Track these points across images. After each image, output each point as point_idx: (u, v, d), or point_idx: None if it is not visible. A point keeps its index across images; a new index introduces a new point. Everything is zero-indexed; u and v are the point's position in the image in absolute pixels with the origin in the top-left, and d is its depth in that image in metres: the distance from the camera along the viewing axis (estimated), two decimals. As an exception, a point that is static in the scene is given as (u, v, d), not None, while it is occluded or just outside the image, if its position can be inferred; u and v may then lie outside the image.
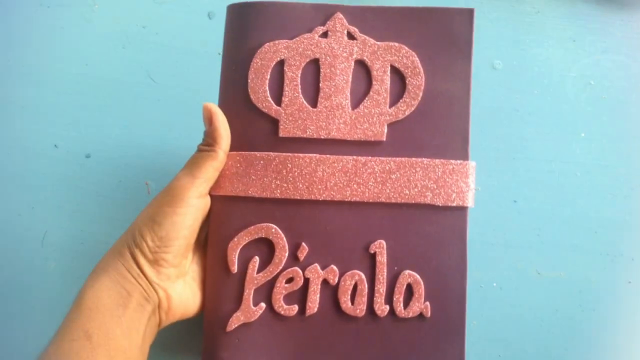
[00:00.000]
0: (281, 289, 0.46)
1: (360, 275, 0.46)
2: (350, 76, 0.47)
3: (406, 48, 0.46)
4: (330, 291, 0.46)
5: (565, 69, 0.60)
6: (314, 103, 0.46)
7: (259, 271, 0.46)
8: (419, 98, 0.46)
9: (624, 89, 0.59)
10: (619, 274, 0.55)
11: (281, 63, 0.47)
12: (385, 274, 0.46)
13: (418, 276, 0.45)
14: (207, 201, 0.45)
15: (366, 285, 0.46)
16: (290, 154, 0.46)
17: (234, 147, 0.46)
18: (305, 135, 0.46)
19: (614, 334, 0.54)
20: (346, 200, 0.46)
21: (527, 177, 0.57)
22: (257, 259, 0.46)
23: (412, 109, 0.46)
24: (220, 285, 0.46)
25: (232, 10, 0.47)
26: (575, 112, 0.59)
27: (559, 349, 0.53)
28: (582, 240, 0.56)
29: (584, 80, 0.59)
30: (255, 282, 0.46)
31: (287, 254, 0.46)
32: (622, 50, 0.60)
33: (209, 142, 0.45)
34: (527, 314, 0.54)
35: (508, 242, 0.56)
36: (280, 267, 0.46)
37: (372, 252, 0.46)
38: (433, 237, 0.46)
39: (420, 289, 0.45)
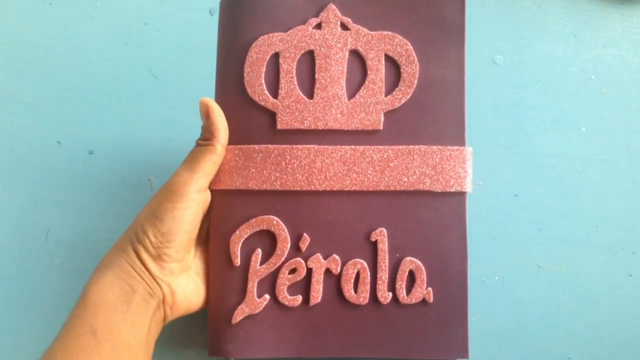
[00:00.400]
0: (284, 280, 0.46)
1: (362, 264, 0.46)
2: (345, 66, 0.47)
3: (400, 37, 0.47)
4: (333, 280, 0.46)
5: (566, 64, 0.60)
6: (310, 94, 0.47)
7: (261, 263, 0.46)
8: (414, 86, 0.46)
9: (624, 83, 0.59)
10: (619, 268, 0.55)
11: (276, 56, 0.47)
12: (387, 261, 0.46)
13: (419, 262, 0.46)
14: (207, 195, 0.46)
15: (368, 273, 0.46)
16: (288, 146, 0.46)
17: (232, 141, 0.46)
18: (302, 127, 0.46)
19: (615, 327, 0.54)
20: (346, 189, 0.46)
21: (528, 172, 0.57)
22: (259, 251, 0.46)
23: (408, 97, 0.46)
24: (223, 278, 0.46)
25: (226, 5, 0.47)
26: (576, 107, 0.59)
27: (561, 342, 0.53)
28: (583, 234, 0.56)
29: (585, 75, 0.59)
30: (259, 274, 0.46)
31: (289, 245, 0.46)
32: (622, 45, 0.60)
33: (206, 136, 0.45)
34: (528, 308, 0.54)
35: (509, 236, 0.56)
36: (283, 259, 0.46)
37: (373, 240, 0.46)
38: (433, 224, 0.46)
39: (422, 275, 0.46)
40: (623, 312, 0.54)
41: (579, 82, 0.59)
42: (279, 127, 0.46)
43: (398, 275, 0.46)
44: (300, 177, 0.46)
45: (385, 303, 0.46)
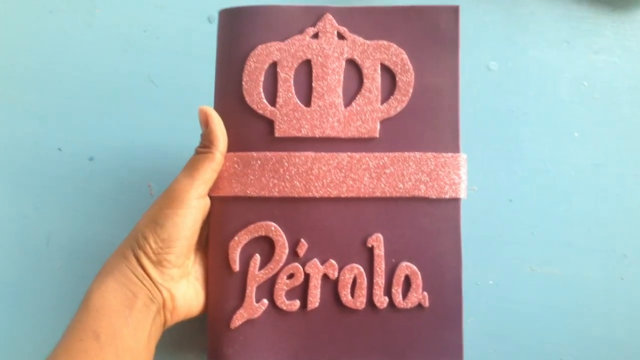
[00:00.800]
0: (282, 285, 0.47)
1: (359, 269, 0.47)
2: (342, 75, 0.48)
3: (395, 46, 0.47)
4: (331, 285, 0.47)
5: (559, 70, 0.60)
6: (307, 103, 0.48)
7: (260, 268, 0.47)
8: (410, 94, 0.47)
9: (616, 89, 0.60)
10: (611, 271, 0.56)
11: (274, 65, 0.48)
12: (383, 266, 0.47)
13: (415, 267, 0.47)
14: (206, 202, 0.46)
15: (365, 278, 0.47)
16: (286, 153, 0.47)
17: (231, 148, 0.47)
18: (300, 135, 0.47)
19: (607, 329, 0.54)
20: (342, 196, 0.47)
21: (521, 176, 0.58)
22: (257, 256, 0.47)
23: (403, 105, 0.47)
24: (222, 283, 0.47)
25: (224, 15, 0.48)
26: (569, 113, 0.59)
27: (553, 344, 0.54)
28: (576, 238, 0.56)
29: (577, 81, 0.60)
30: (257, 279, 0.47)
31: (287, 251, 0.47)
32: (614, 52, 0.61)
33: (205, 144, 0.46)
34: (522, 310, 0.55)
35: (503, 240, 0.57)
36: (281, 264, 0.47)
37: (370, 245, 0.47)
38: (428, 229, 0.47)
39: (417, 280, 0.46)
40: (615, 315, 0.55)
41: (571, 88, 0.60)
42: (276, 134, 0.47)
43: (394, 280, 0.46)
44: (297, 184, 0.47)
45: (381, 307, 0.46)
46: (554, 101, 0.60)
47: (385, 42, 0.48)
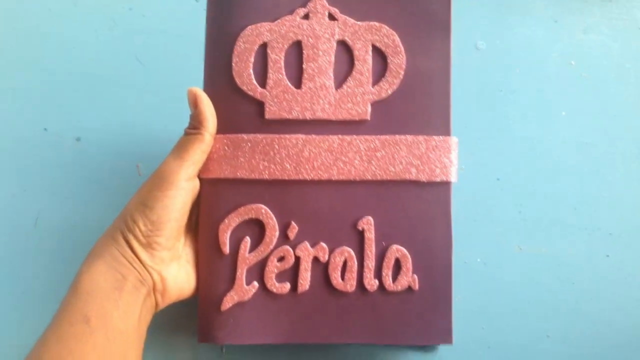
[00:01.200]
0: (273, 267, 0.47)
1: (349, 252, 0.47)
2: (333, 57, 0.47)
3: (387, 27, 0.47)
4: (321, 268, 0.47)
5: (547, 49, 0.60)
6: (298, 84, 0.47)
7: (250, 251, 0.47)
8: (401, 77, 0.47)
9: (604, 68, 0.60)
10: (597, 249, 0.56)
11: (264, 46, 0.47)
12: (373, 249, 0.47)
13: (405, 250, 0.47)
14: (196, 184, 0.46)
15: (355, 261, 0.47)
16: (276, 136, 0.46)
17: (220, 130, 0.46)
18: (290, 117, 0.47)
19: (592, 306, 0.55)
20: (333, 179, 0.46)
21: (509, 155, 0.58)
22: (248, 239, 0.47)
23: (395, 87, 0.47)
24: (213, 266, 0.47)
25: (214, -6, 0.48)
26: (557, 91, 0.59)
27: (540, 321, 0.54)
28: (562, 216, 0.57)
29: (565, 59, 0.60)
30: (247, 261, 0.47)
31: (277, 234, 0.47)
32: (602, 30, 0.61)
33: (195, 125, 0.45)
34: (509, 288, 0.55)
35: (491, 219, 0.57)
36: (271, 247, 0.47)
37: (360, 228, 0.47)
38: (419, 212, 0.47)
39: (408, 263, 0.47)
40: (600, 292, 0.55)
41: (559, 67, 0.60)
42: (267, 116, 0.47)
43: (384, 263, 0.47)
44: (288, 166, 0.46)
45: (371, 290, 0.47)
46: (541, 80, 0.60)
47: (376, 24, 0.47)
